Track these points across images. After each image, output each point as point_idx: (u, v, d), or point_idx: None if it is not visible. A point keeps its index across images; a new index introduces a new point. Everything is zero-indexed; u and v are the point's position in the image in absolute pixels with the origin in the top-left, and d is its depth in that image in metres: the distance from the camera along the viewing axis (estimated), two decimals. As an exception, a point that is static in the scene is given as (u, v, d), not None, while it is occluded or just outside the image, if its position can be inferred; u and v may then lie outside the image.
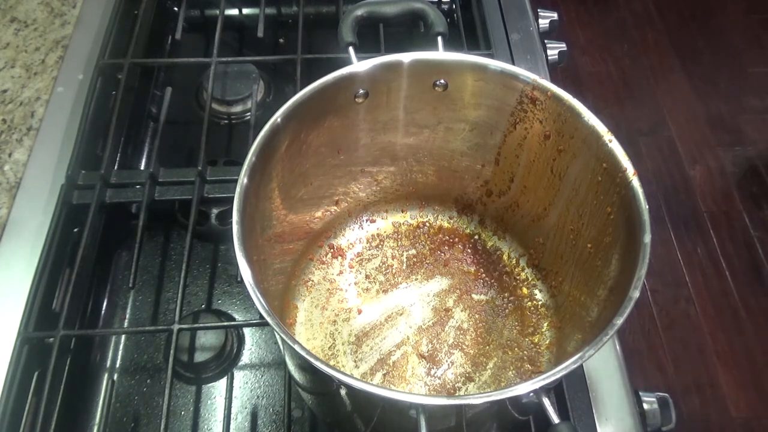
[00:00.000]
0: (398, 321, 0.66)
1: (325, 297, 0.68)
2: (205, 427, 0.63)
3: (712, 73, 2.26)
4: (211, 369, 0.66)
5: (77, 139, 0.73)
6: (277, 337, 0.54)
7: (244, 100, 0.87)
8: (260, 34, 0.85)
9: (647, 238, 0.48)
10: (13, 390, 0.58)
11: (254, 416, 0.64)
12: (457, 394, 0.62)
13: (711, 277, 1.81)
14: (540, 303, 0.67)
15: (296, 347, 0.43)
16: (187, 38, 0.90)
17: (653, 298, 1.77)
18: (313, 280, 0.69)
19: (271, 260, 0.61)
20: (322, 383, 0.54)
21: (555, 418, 0.41)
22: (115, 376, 0.66)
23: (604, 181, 0.55)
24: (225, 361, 0.67)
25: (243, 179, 0.51)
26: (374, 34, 0.84)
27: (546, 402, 0.42)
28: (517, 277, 0.69)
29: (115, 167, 0.77)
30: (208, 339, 0.66)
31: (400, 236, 0.73)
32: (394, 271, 0.70)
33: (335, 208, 0.70)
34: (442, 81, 0.60)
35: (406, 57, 0.59)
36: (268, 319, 0.44)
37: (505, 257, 0.71)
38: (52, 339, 0.60)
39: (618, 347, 0.65)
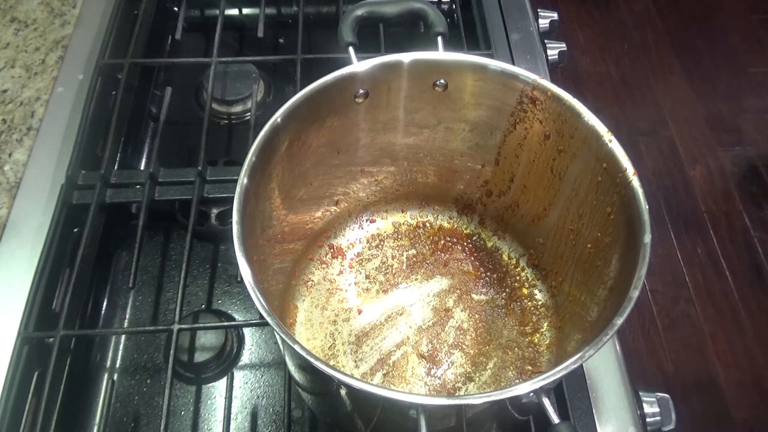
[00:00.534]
0: (398, 321, 0.66)
1: (325, 297, 0.68)
2: (205, 427, 0.63)
3: (712, 73, 2.26)
4: (211, 369, 0.66)
5: (77, 139, 0.73)
6: (277, 337, 0.54)
7: (244, 100, 0.87)
8: (260, 34, 0.85)
9: (647, 238, 0.48)
10: (13, 390, 0.58)
11: (254, 416, 0.64)
12: (457, 394, 0.62)
13: (711, 277, 1.81)
14: (540, 303, 0.67)
15: (296, 347, 0.43)
16: (187, 38, 0.90)
17: (653, 298, 1.77)
18: (313, 280, 0.69)
19: (271, 260, 0.61)
20: (322, 383, 0.54)
21: (555, 418, 0.41)
22: (115, 376, 0.66)
23: (604, 181, 0.55)
24: (225, 361, 0.67)
25: (243, 179, 0.51)
26: (374, 34, 0.84)
27: (546, 402, 0.42)
28: (517, 277, 0.69)
29: (115, 167, 0.77)
30: (208, 339, 0.66)
31: (400, 236, 0.73)
32: (394, 271, 0.70)
33: (335, 208, 0.70)
34: (442, 81, 0.60)
35: (406, 57, 0.59)
36: (268, 319, 0.44)
37: (505, 257, 0.71)
38: (52, 339, 0.60)
39: (618, 347, 0.65)
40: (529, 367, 0.63)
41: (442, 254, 0.71)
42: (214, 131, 0.83)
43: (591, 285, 0.58)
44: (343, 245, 0.72)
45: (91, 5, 0.91)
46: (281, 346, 0.63)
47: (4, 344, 0.61)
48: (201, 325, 0.66)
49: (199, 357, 0.65)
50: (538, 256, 0.69)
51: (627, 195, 0.52)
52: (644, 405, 0.63)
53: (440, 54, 0.60)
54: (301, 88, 0.56)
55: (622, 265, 0.52)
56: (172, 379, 0.59)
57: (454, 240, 0.72)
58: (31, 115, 0.80)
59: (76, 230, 0.70)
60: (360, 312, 0.67)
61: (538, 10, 0.99)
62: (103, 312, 0.71)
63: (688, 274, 1.81)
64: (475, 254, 0.71)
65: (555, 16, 1.00)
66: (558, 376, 0.42)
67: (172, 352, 0.60)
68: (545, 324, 0.66)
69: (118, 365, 0.67)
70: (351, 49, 0.60)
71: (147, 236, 0.75)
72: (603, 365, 0.63)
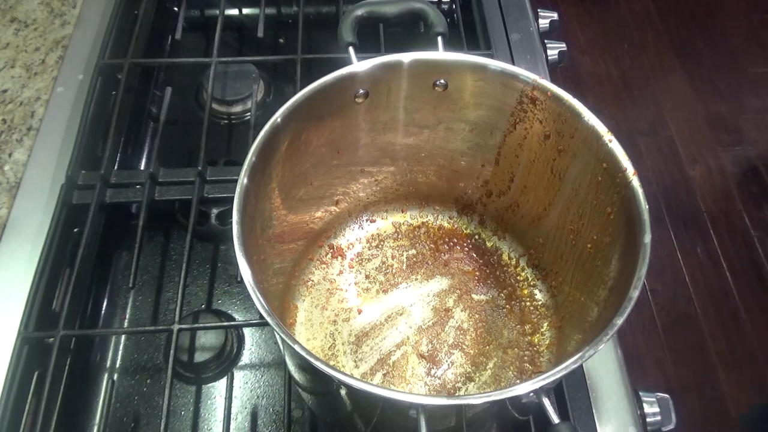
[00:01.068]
0: (398, 321, 0.66)
1: (325, 297, 0.68)
2: (205, 427, 0.63)
3: (712, 73, 2.26)
4: (211, 369, 0.66)
5: (77, 139, 0.73)
6: (277, 337, 0.54)
7: (244, 100, 0.87)
8: (260, 34, 0.85)
9: (647, 238, 0.48)
10: (13, 390, 0.58)
11: (254, 416, 0.64)
12: (457, 394, 0.62)
13: (711, 277, 1.81)
14: (540, 303, 0.67)
15: (296, 347, 0.43)
16: (187, 38, 0.90)
17: (653, 298, 1.77)
18: (313, 280, 0.69)
19: (271, 260, 0.61)
20: (322, 383, 0.54)
21: (555, 418, 0.41)
22: (115, 376, 0.66)
23: (604, 181, 0.55)
24: (225, 361, 0.67)
25: (243, 179, 0.51)
26: (374, 34, 0.84)
27: (546, 402, 0.42)
28: (517, 277, 0.69)
29: (115, 167, 0.77)
30: (208, 339, 0.66)
31: (400, 236, 0.73)
32: (394, 271, 0.70)
33: (335, 208, 0.70)
34: (442, 81, 0.60)
35: (406, 57, 0.59)
36: (268, 319, 0.44)
37: (505, 257, 0.71)
38: (52, 339, 0.60)
39: (618, 347, 0.65)
40: (529, 367, 0.63)
41: (442, 254, 0.71)
42: (214, 131, 0.83)
43: (591, 285, 0.58)
44: (343, 245, 0.72)
45: (91, 5, 0.91)
46: (281, 346, 0.63)
47: (4, 344, 0.61)
48: (201, 325, 0.66)
49: (199, 357, 0.65)
50: (538, 256, 0.69)
51: (627, 195, 0.52)
52: (644, 405, 0.63)
53: (440, 54, 0.60)
54: (301, 88, 0.56)
55: (622, 265, 0.52)
56: (172, 379, 0.59)
57: (454, 240, 0.72)
58: (31, 115, 0.80)
59: (76, 230, 0.70)
60: (360, 312, 0.67)
61: (538, 10, 0.99)
62: (103, 312, 0.71)
63: (688, 274, 1.82)
64: (475, 254, 0.71)
65: (555, 16, 1.00)
66: (558, 376, 0.42)
67: (172, 352, 0.60)
68: (545, 324, 0.66)
69: (118, 365, 0.67)
70: (351, 49, 0.60)
71: (147, 236, 0.75)
72: (603, 365, 0.63)
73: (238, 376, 0.66)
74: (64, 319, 0.62)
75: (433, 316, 0.67)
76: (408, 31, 0.96)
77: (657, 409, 0.63)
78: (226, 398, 0.63)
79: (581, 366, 0.62)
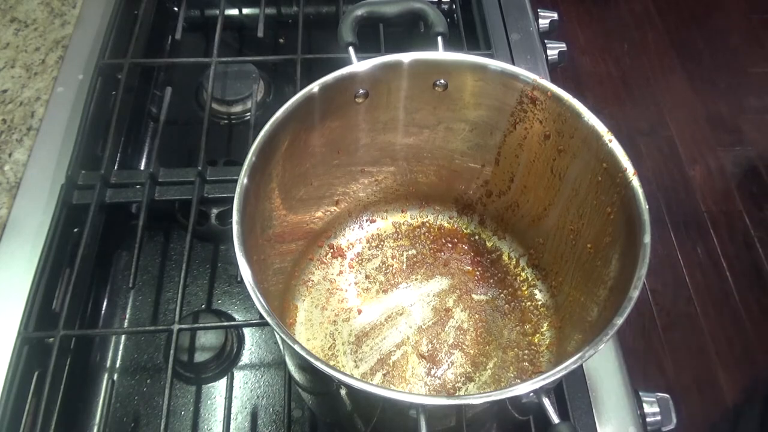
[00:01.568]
0: (398, 321, 0.66)
1: (325, 297, 0.68)
2: (205, 427, 0.63)
3: (712, 73, 2.26)
4: (211, 369, 0.66)
5: (77, 139, 0.73)
6: (277, 337, 0.54)
7: (244, 100, 0.87)
8: (260, 34, 0.85)
9: (647, 238, 0.48)
10: (13, 390, 0.58)
11: (254, 416, 0.64)
12: (457, 394, 0.62)
13: (711, 277, 1.81)
14: (540, 303, 0.67)
15: (296, 347, 0.43)
16: (187, 38, 0.90)
17: (653, 298, 1.77)
18: (313, 280, 0.69)
19: (271, 260, 0.61)
20: (322, 383, 0.54)
21: (555, 418, 0.41)
22: (115, 376, 0.66)
23: (604, 181, 0.55)
24: (225, 361, 0.67)
25: (243, 179, 0.51)
26: (374, 34, 0.84)
27: (546, 402, 0.42)
28: (517, 277, 0.69)
29: (115, 167, 0.77)
30: (208, 339, 0.66)
31: (400, 236, 0.73)
32: (394, 271, 0.70)
33: (335, 208, 0.70)
34: (442, 81, 0.60)
35: (406, 57, 0.59)
36: (268, 319, 0.44)
37: (505, 257, 0.71)
38: (52, 339, 0.60)
39: (618, 347, 0.65)
40: (529, 367, 0.63)
41: (442, 254, 0.71)
42: (214, 131, 0.83)
43: (591, 285, 0.58)
44: (343, 245, 0.72)
45: (91, 5, 0.91)
46: (281, 346, 0.63)
47: (4, 344, 0.61)
48: (201, 325, 0.66)
49: (199, 357, 0.65)
50: (538, 256, 0.69)
51: (627, 195, 0.52)
52: (644, 405, 0.63)
53: (440, 54, 0.60)
54: (301, 88, 0.56)
55: (622, 265, 0.52)
56: (172, 379, 0.59)
57: (454, 240, 0.72)
58: (31, 115, 0.80)
59: (76, 230, 0.70)
60: (360, 312, 0.67)
61: (538, 10, 0.99)
62: (103, 312, 0.71)
63: (688, 274, 1.81)
64: (475, 254, 0.71)
65: (555, 16, 1.00)
66: (558, 376, 0.42)
67: (172, 352, 0.60)
68: (545, 324, 0.66)
69: (118, 365, 0.67)
70: (351, 49, 0.60)
71: (147, 236, 0.75)
72: (603, 365, 0.63)
73: (238, 376, 0.66)
74: (64, 319, 0.62)
75: (433, 316, 0.67)
76: (408, 31, 0.96)
77: (657, 409, 0.63)
78: (226, 398, 0.63)
79: (581, 366, 0.62)
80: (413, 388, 0.62)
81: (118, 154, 0.79)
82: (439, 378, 0.63)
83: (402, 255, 0.71)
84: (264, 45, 0.96)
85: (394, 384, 0.62)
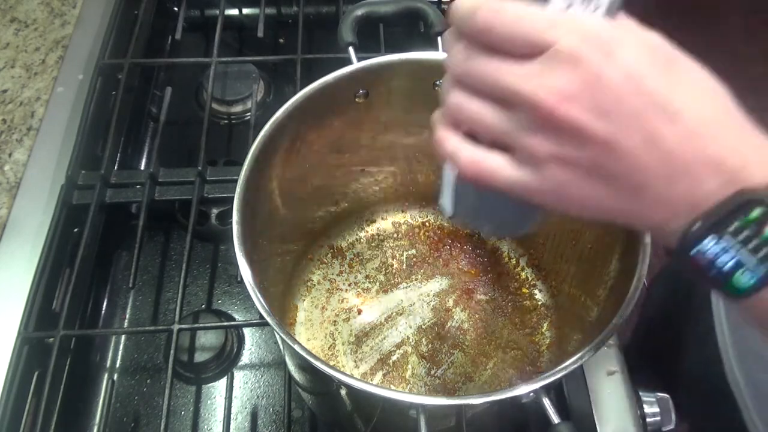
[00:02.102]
0: (398, 321, 0.66)
1: (325, 297, 0.68)
2: (205, 427, 0.63)
3: (712, 73, 2.26)
4: (211, 369, 0.66)
5: (77, 139, 0.73)
6: (277, 337, 0.54)
7: (244, 100, 0.87)
8: (260, 34, 0.85)
9: (647, 238, 0.48)
10: (13, 390, 0.58)
11: (254, 416, 0.64)
12: (457, 394, 0.62)
13: (711, 277, 1.81)
14: (540, 303, 0.67)
15: (296, 347, 0.43)
16: (187, 38, 0.90)
17: (653, 298, 1.77)
18: (313, 280, 0.69)
19: (271, 260, 0.61)
20: (322, 383, 0.54)
21: (555, 418, 0.41)
22: (115, 376, 0.66)
23: (604, 181, 0.55)
24: (225, 361, 0.67)
25: (243, 179, 0.51)
26: (374, 34, 0.84)
27: (546, 402, 0.42)
28: (517, 277, 0.69)
29: (115, 167, 0.77)
30: (208, 339, 0.66)
31: (400, 236, 0.73)
32: (394, 271, 0.70)
33: (335, 208, 0.70)
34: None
35: (406, 57, 0.58)
36: (268, 319, 0.44)
37: (505, 257, 0.71)
38: (52, 339, 0.60)
39: (618, 347, 0.65)
40: (529, 367, 0.63)
41: (442, 254, 0.71)
42: (214, 131, 0.83)
43: (591, 285, 0.58)
44: (343, 245, 0.72)
45: (91, 5, 0.91)
46: (281, 346, 0.63)
47: (4, 344, 0.61)
48: (201, 325, 0.66)
49: (199, 357, 0.65)
50: (538, 256, 0.69)
51: (627, 195, 0.51)
52: (644, 405, 0.63)
53: (440, 54, 0.60)
54: (301, 88, 0.56)
55: (622, 265, 0.52)
56: (172, 379, 0.59)
57: (454, 240, 0.72)
58: (31, 115, 0.80)
59: (76, 230, 0.70)
60: (360, 312, 0.67)
61: (538, 9, 0.98)
62: (103, 312, 0.71)
63: (688, 274, 1.81)
64: (475, 254, 0.71)
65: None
66: (558, 376, 0.42)
67: (172, 352, 0.60)
68: (545, 324, 0.66)
69: (118, 365, 0.67)
70: (351, 49, 0.60)
71: (147, 236, 0.75)
72: (603, 365, 0.63)
73: (238, 376, 0.66)
74: (64, 319, 0.62)
75: (433, 316, 0.67)
76: (408, 31, 0.96)
77: (657, 409, 0.63)
78: (226, 398, 0.63)
79: (581, 366, 0.62)
80: (413, 388, 0.62)
81: (118, 154, 0.79)
82: (439, 378, 0.63)
83: (402, 255, 0.71)
84: (264, 45, 0.95)
85: (394, 384, 0.62)
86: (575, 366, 0.43)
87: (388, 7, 0.64)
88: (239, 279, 0.48)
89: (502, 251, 0.71)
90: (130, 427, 0.63)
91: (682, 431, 0.61)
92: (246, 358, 0.68)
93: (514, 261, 0.71)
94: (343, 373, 0.42)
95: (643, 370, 0.67)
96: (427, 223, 0.73)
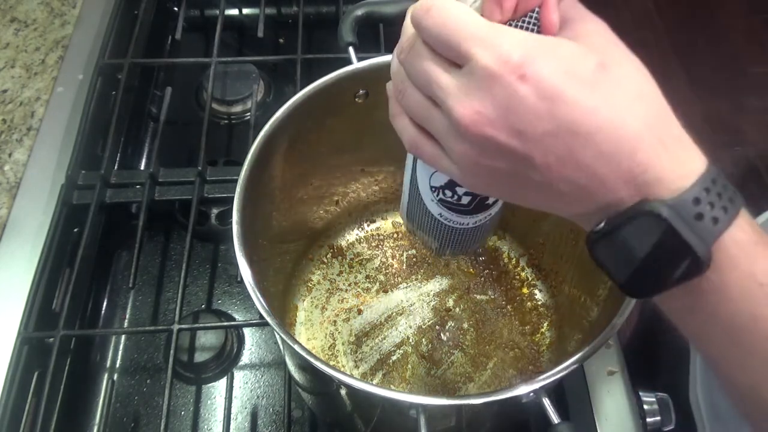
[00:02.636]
0: (398, 321, 0.66)
1: (325, 297, 0.68)
2: (205, 427, 0.63)
3: (712, 73, 2.26)
4: (211, 369, 0.66)
5: (77, 139, 0.73)
6: (277, 337, 0.54)
7: (244, 100, 0.87)
8: (260, 34, 0.85)
9: (647, 238, 0.47)
10: (13, 390, 0.58)
11: (254, 416, 0.64)
12: (457, 394, 0.62)
13: (711, 277, 1.81)
14: (540, 303, 0.67)
15: (296, 347, 0.43)
16: (187, 38, 0.90)
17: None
18: (313, 280, 0.69)
19: (271, 260, 0.61)
20: (322, 383, 0.54)
21: (555, 418, 0.41)
22: (115, 376, 0.66)
23: (604, 181, 0.55)
24: (225, 361, 0.67)
25: (243, 179, 0.51)
26: (374, 34, 0.84)
27: (546, 402, 0.42)
28: (517, 277, 0.69)
29: (115, 167, 0.77)
30: (208, 339, 0.66)
31: (400, 236, 0.73)
32: (394, 271, 0.70)
33: (335, 208, 0.70)
34: (442, 81, 0.60)
35: (406, 57, 0.58)
36: (268, 319, 0.44)
37: (505, 257, 0.71)
38: (52, 339, 0.60)
39: (618, 347, 0.65)
40: (530, 367, 0.63)
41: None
42: (214, 131, 0.83)
43: (591, 285, 0.58)
44: (343, 245, 0.72)
45: (91, 5, 0.91)
46: (281, 346, 0.63)
47: (4, 344, 0.61)
48: (201, 325, 0.66)
49: (199, 357, 0.65)
50: (538, 256, 0.69)
51: (627, 195, 0.51)
52: (644, 405, 0.63)
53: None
54: (301, 88, 0.56)
55: (622, 265, 0.51)
56: (172, 379, 0.59)
57: (454, 240, 0.72)
58: (31, 115, 0.80)
59: (76, 230, 0.70)
60: (360, 312, 0.67)
61: (538, 10, 0.99)
62: (103, 312, 0.71)
63: (688, 274, 1.81)
64: (475, 254, 0.71)
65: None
66: (558, 376, 0.42)
67: (172, 352, 0.60)
68: (545, 324, 0.66)
69: (118, 365, 0.67)
70: (351, 49, 0.60)
71: (147, 236, 0.75)
72: (603, 365, 0.63)
73: (238, 376, 0.66)
74: (64, 319, 0.62)
75: (433, 316, 0.67)
76: (408, 31, 0.96)
77: (657, 409, 0.63)
78: (226, 398, 0.63)
79: (581, 366, 0.62)
80: (413, 388, 0.62)
81: (118, 154, 0.79)
82: (439, 378, 0.63)
83: (402, 255, 0.71)
84: (264, 45, 0.95)
85: (394, 384, 0.62)
86: (575, 366, 0.43)
87: (388, 7, 0.64)
88: (239, 279, 0.48)
89: (502, 251, 0.71)
90: (130, 427, 0.63)
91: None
92: (246, 358, 0.68)
93: (514, 261, 0.71)
94: (343, 373, 0.43)
95: (643, 370, 0.67)
96: (427, 223, 0.73)
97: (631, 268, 0.32)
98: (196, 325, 0.66)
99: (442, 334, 0.66)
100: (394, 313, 0.67)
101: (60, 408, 0.60)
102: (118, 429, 0.63)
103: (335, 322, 0.66)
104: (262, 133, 0.53)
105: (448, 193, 0.43)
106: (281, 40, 0.98)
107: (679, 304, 0.33)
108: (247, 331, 0.69)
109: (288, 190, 0.61)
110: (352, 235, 0.72)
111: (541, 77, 0.29)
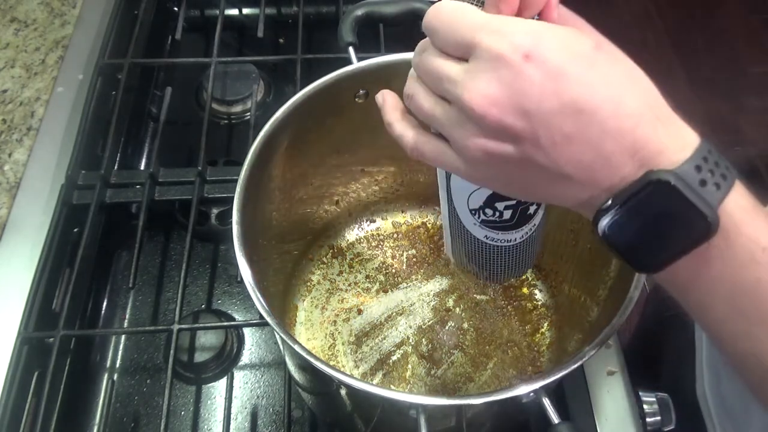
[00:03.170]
0: (398, 321, 0.66)
1: (325, 297, 0.68)
2: (205, 427, 0.63)
3: (712, 73, 2.26)
4: (211, 369, 0.66)
5: (77, 139, 0.73)
6: (277, 337, 0.54)
7: (244, 100, 0.87)
8: (260, 34, 0.85)
9: (647, 238, 0.47)
10: (13, 390, 0.58)
11: (254, 416, 0.64)
12: (457, 394, 0.62)
13: (711, 277, 1.81)
14: (540, 303, 0.67)
15: (296, 347, 0.43)
16: (187, 38, 0.90)
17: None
18: (313, 280, 0.69)
19: (271, 260, 0.61)
20: (322, 383, 0.54)
21: (555, 419, 0.41)
22: (115, 376, 0.66)
23: (604, 181, 0.55)
24: (225, 361, 0.67)
25: (243, 179, 0.51)
26: (374, 34, 0.84)
27: (546, 402, 0.42)
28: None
29: (115, 167, 0.77)
30: (208, 339, 0.66)
31: (400, 236, 0.73)
32: (394, 271, 0.70)
33: (335, 208, 0.70)
34: (442, 81, 0.60)
35: (406, 57, 0.58)
36: (268, 319, 0.44)
37: (505, 257, 0.71)
38: (52, 339, 0.60)
39: (618, 347, 0.65)
40: (530, 367, 0.63)
41: (442, 254, 0.71)
42: (214, 131, 0.83)
43: (591, 285, 0.58)
44: (343, 245, 0.72)
45: (91, 5, 0.91)
46: (281, 346, 0.63)
47: (4, 344, 0.61)
48: (201, 325, 0.66)
49: (199, 357, 0.65)
50: (538, 257, 0.69)
51: (627, 195, 0.51)
52: (644, 405, 0.63)
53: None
54: (301, 88, 0.56)
55: (622, 265, 0.52)
56: (172, 379, 0.59)
57: (454, 240, 0.72)
58: (31, 115, 0.80)
59: (76, 230, 0.70)
60: (360, 312, 0.67)
61: (538, 9, 0.98)
62: (103, 312, 0.71)
63: (688, 274, 1.81)
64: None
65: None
66: (558, 376, 0.42)
67: (172, 352, 0.60)
68: (545, 324, 0.66)
69: (118, 365, 0.67)
70: (351, 49, 0.60)
71: (147, 236, 0.75)
72: (603, 365, 0.63)
73: (238, 376, 0.66)
74: (64, 319, 0.62)
75: (433, 316, 0.67)
76: (408, 31, 0.96)
77: (657, 409, 0.63)
78: (226, 398, 0.63)
79: (581, 366, 0.62)
80: (413, 388, 0.62)
81: (118, 154, 0.79)
82: (439, 378, 0.63)
83: (402, 255, 0.71)
84: (264, 45, 0.95)
85: (394, 384, 0.62)
86: (575, 366, 0.43)
87: (388, 7, 0.64)
88: (239, 279, 0.48)
89: (502, 251, 0.71)
90: (130, 427, 0.63)
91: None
92: (246, 358, 0.68)
93: (514, 261, 0.70)
94: (343, 373, 0.43)
95: (644, 370, 0.67)
96: (427, 223, 0.73)
97: (641, 240, 0.32)
98: (196, 325, 0.66)
99: (442, 334, 0.66)
100: (394, 313, 0.67)
101: (60, 408, 0.60)
102: (118, 429, 0.63)
103: (335, 322, 0.66)
104: (262, 133, 0.53)
105: (489, 211, 0.43)
106: (281, 40, 0.98)
107: (684, 276, 0.33)
108: (247, 331, 0.70)
109: (288, 190, 0.61)
110: (352, 235, 0.72)
111: (546, 57, 0.30)
